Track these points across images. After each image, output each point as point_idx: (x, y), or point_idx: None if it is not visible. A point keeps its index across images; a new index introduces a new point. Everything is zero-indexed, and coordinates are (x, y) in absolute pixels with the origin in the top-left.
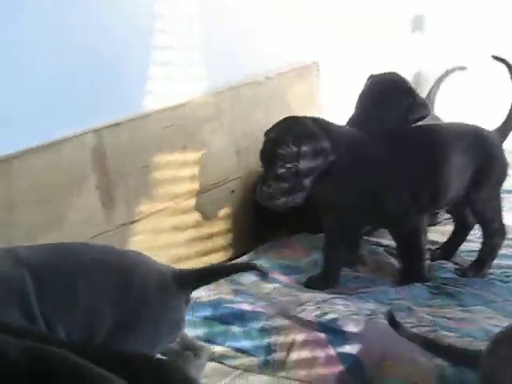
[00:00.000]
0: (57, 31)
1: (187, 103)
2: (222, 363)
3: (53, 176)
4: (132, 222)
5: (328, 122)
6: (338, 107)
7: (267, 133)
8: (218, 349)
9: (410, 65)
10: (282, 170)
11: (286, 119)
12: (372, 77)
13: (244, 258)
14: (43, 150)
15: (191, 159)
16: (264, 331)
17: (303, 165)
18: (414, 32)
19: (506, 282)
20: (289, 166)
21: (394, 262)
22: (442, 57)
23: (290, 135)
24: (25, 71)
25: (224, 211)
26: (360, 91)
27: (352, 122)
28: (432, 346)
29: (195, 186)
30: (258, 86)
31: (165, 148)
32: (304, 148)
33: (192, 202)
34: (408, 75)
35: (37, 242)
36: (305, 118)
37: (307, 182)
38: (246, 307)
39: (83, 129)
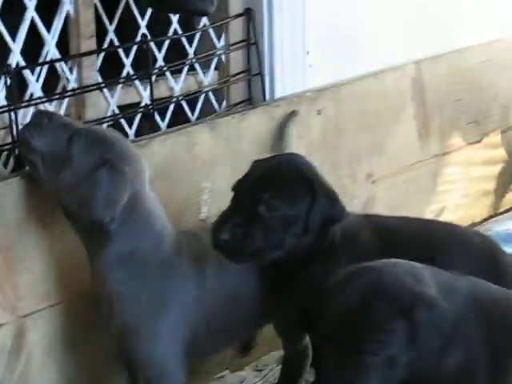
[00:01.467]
0: None
1: (504, 39)
2: None
3: (376, 103)
4: (445, 154)
5: None
6: None
7: None
8: None
9: None
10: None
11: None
12: None
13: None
14: (368, 79)
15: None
16: None
17: None
18: None
19: None
20: None
21: None
22: None
23: None
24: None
25: None
26: None
27: None
28: None
29: (505, 123)
30: None
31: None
32: None
33: (501, 137)
34: None
35: (360, 165)
36: None
37: None
38: None
39: (405, 60)
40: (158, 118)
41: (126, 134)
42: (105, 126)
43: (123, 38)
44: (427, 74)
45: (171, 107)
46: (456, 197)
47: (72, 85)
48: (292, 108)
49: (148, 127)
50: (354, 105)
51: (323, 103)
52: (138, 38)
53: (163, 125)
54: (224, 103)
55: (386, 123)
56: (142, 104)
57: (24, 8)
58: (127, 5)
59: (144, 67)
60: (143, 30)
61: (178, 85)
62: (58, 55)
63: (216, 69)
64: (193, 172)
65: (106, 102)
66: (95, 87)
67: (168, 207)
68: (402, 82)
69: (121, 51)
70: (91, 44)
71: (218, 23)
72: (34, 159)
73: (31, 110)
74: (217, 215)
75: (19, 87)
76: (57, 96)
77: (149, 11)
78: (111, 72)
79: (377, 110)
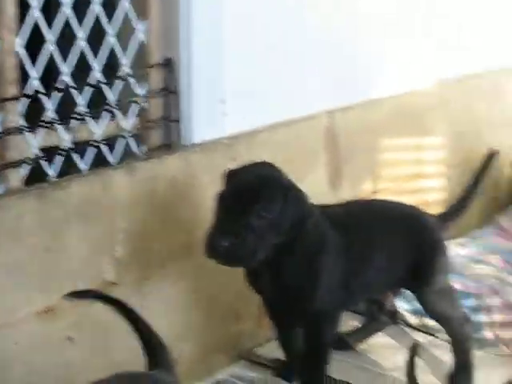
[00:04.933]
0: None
1: (415, 91)
2: (434, 336)
3: (289, 152)
4: None
5: None
6: None
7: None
8: (429, 322)
9: None
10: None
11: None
12: None
13: (459, 241)
14: (282, 128)
15: (414, 144)
16: (475, 310)
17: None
18: None
19: None
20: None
21: None
22: None
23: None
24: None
25: (439, 196)
26: None
27: None
28: None
29: (416, 170)
30: (482, 80)
31: (391, 132)
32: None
33: (412, 184)
34: None
35: None
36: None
37: None
38: (458, 287)
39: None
40: (78, 160)
41: (46, 175)
42: (27, 167)
43: (48, 83)
44: (339, 123)
45: (91, 150)
46: None
47: None
48: (208, 154)
49: (68, 169)
50: (268, 152)
51: (238, 150)
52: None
53: (83, 167)
54: (144, 147)
55: (299, 171)
56: (63, 146)
57: None
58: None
59: (68, 111)
60: (65, 77)
61: (99, 129)
62: None
63: (138, 115)
64: (109, 213)
65: (28, 145)
66: (17, 131)
67: (83, 246)
68: (315, 131)
69: (42, 96)
70: (13, 90)
71: (139, 73)
72: None
73: None
74: (131, 255)
75: None
76: None
77: (72, 59)
78: (37, 114)
79: (290, 158)
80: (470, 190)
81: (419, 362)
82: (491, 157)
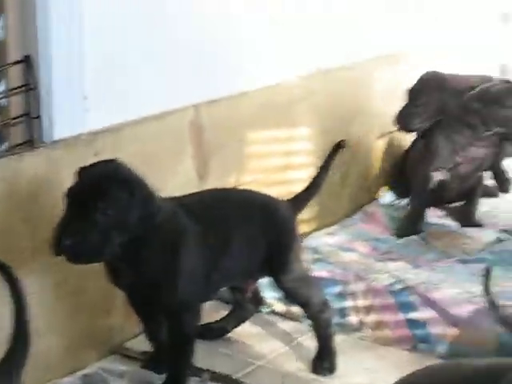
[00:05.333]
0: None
1: (280, 84)
2: (299, 322)
3: (156, 145)
4: None
5: None
6: None
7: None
8: (296, 310)
9: (496, 57)
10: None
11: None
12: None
13: (328, 230)
14: (148, 121)
15: (283, 136)
16: (340, 296)
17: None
18: (503, 24)
19: None
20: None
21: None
22: None
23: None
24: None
25: None
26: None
27: None
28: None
29: (285, 161)
30: (347, 71)
31: (258, 125)
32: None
33: (281, 176)
34: (494, 67)
35: None
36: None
37: None
38: (325, 274)
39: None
40: None
41: None
42: None
43: None
44: (205, 116)
45: None
46: None
47: None
48: (70, 150)
49: None
50: (134, 147)
51: (101, 145)
52: None
53: None
54: (4, 145)
55: (166, 165)
56: None
57: None
58: None
59: None
60: None
61: None
62: None
63: None
64: None
65: None
66: None
67: None
68: (181, 124)
69: None
70: None
71: None
72: None
73: None
74: None
75: None
76: None
77: None
78: None
79: (156, 152)
80: (318, 178)
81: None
82: (338, 147)
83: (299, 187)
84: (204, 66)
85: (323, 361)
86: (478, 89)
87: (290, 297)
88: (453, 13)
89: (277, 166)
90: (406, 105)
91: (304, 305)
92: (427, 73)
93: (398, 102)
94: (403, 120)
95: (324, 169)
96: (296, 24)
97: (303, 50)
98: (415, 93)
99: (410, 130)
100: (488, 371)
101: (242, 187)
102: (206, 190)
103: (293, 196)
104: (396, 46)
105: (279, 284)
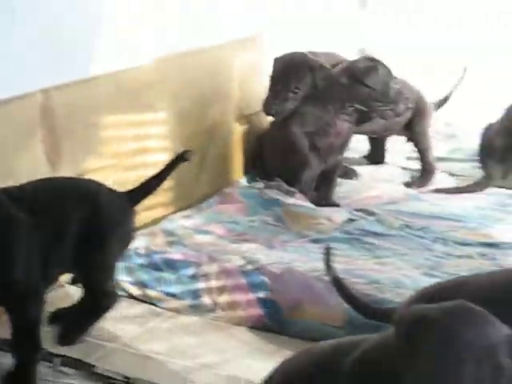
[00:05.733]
0: None
1: (134, 68)
2: (155, 305)
3: (2, 130)
4: (79, 176)
5: None
6: None
7: None
8: (151, 293)
9: (354, 40)
10: None
11: None
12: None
13: (185, 213)
14: None
15: (136, 120)
16: (193, 278)
17: None
18: (359, 8)
19: (422, 238)
20: None
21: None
22: (385, 33)
23: None
24: None
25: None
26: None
27: None
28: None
29: (140, 145)
30: (202, 55)
31: (111, 109)
32: None
33: (136, 160)
34: (351, 51)
35: None
36: None
37: None
38: (179, 256)
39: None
40: None
41: None
42: None
43: None
44: (56, 101)
45: None
46: None
47: None
48: None
49: None
50: None
51: None
52: None
53: None
54: None
55: (14, 150)
56: None
57: None
58: None
59: None
60: None
61: None
62: None
63: None
64: None
65: None
66: None
67: None
68: (30, 109)
69: None
70: None
71: None
72: None
73: None
74: None
75: None
76: None
77: None
78: None
79: (4, 135)
80: (152, 183)
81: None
82: (180, 159)
83: (155, 171)
84: (54, 50)
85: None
86: (344, 64)
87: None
88: None
89: (131, 150)
90: (275, 89)
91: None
92: (291, 54)
93: (255, 84)
94: (270, 106)
95: (160, 177)
96: (150, 7)
97: (158, 34)
98: (282, 75)
99: (275, 115)
100: (333, 351)
101: (95, 172)
102: (34, 180)
103: (130, 189)
104: (253, 28)
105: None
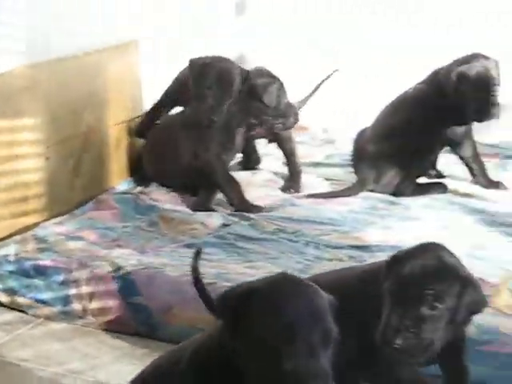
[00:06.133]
0: None
1: (4, 73)
2: (24, 312)
3: None
4: None
5: None
6: (159, 84)
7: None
8: (21, 300)
9: (232, 46)
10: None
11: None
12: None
13: (57, 220)
14: None
15: (7, 126)
16: (64, 284)
17: None
18: (237, 15)
19: (294, 242)
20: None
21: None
22: (263, 38)
23: None
24: None
25: (38, 176)
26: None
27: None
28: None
29: (11, 151)
30: (77, 60)
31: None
32: None
33: (7, 166)
34: (230, 56)
35: None
36: None
37: None
38: (49, 263)
39: None
40: None
41: None
42: None
43: None
44: None
45: None
46: None
47: None
48: None
49: None
50: None
51: None
52: None
53: None
54: None
55: None
56: None
57: None
58: None
59: None
60: None
61: None
62: None
63: None
64: None
65: None
66: None
67: None
68: None
69: None
70: None
71: None
72: None
73: None
74: None
75: None
76: None
77: None
78: None
79: None
80: None
81: None
82: None
83: (27, 177)
84: None
85: None
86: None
87: None
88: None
89: (2, 157)
90: (217, 96)
91: None
92: (216, 58)
93: (132, 90)
94: (214, 113)
95: None
96: (22, 11)
97: (30, 39)
98: (217, 81)
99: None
100: (177, 350)
101: None
102: None
103: None
104: (129, 34)
105: None
